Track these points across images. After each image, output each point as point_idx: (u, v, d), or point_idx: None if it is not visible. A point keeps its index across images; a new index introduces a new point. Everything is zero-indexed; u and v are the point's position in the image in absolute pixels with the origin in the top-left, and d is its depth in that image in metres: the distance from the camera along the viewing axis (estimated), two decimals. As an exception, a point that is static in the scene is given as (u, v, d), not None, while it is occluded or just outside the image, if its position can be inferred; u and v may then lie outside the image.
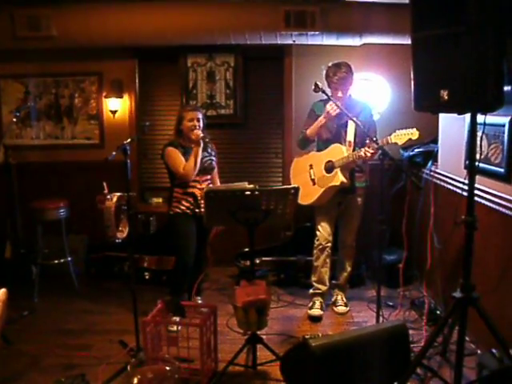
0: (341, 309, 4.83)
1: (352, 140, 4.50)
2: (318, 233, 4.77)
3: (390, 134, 4.16)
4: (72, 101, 6.19)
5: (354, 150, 4.44)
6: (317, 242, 4.77)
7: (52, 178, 6.03)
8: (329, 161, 4.52)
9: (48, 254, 5.37)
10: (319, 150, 4.70)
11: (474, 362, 3.42)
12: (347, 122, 4.48)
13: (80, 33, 5.29)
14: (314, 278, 4.85)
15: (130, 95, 6.13)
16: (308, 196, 4.63)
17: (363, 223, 4.82)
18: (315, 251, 4.79)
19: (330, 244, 4.75)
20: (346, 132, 4.54)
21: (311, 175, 4.67)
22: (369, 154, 4.19)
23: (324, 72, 4.55)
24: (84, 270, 5.83)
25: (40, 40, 5.32)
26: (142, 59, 6.15)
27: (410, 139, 4.13)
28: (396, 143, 4.15)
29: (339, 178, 4.45)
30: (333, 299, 4.96)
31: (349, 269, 4.90)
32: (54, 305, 5.04)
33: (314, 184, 4.64)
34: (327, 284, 4.84)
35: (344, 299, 4.92)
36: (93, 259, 5.86)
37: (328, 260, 4.78)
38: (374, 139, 4.03)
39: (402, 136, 4.12)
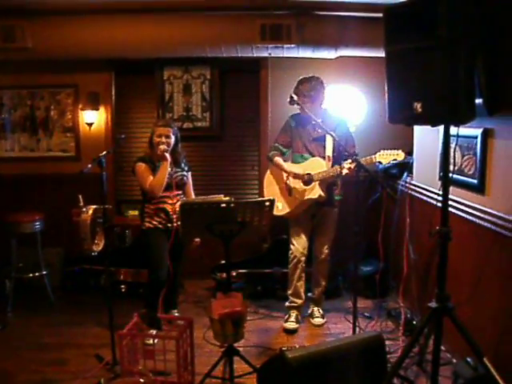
0: (317, 321, 4.84)
1: (331, 155, 4.53)
2: (292, 246, 4.77)
3: (374, 153, 4.22)
4: (48, 113, 6.14)
5: (332, 165, 4.48)
6: (291, 256, 4.78)
7: (27, 190, 5.97)
8: (307, 173, 4.53)
9: (23, 267, 5.31)
10: (295, 162, 4.71)
11: (450, 371, 3.45)
12: (324, 136, 4.52)
13: (55, 44, 5.25)
14: (289, 292, 4.86)
15: (107, 108, 6.11)
16: (283, 207, 4.66)
17: (339, 234, 4.84)
18: (290, 265, 4.80)
19: (304, 258, 4.75)
20: (323, 146, 4.57)
21: (288, 186, 4.67)
22: (352, 168, 4.17)
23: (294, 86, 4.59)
24: (60, 284, 5.76)
25: (14, 51, 5.25)
26: (118, 72, 6.14)
27: (395, 160, 4.21)
28: (380, 162, 4.22)
29: (317, 191, 4.48)
30: (309, 311, 4.96)
31: (323, 283, 4.91)
32: (29, 319, 4.97)
33: (290, 195, 4.66)
34: (303, 297, 4.85)
35: (321, 311, 4.93)
36: (69, 272, 5.80)
37: (303, 274, 4.79)
38: (353, 153, 4.09)
39: (387, 156, 4.19)
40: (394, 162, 4.29)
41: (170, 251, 4.36)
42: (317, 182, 4.48)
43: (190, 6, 5.04)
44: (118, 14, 5.14)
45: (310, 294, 4.97)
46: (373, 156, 4.23)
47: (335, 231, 4.81)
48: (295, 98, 4.19)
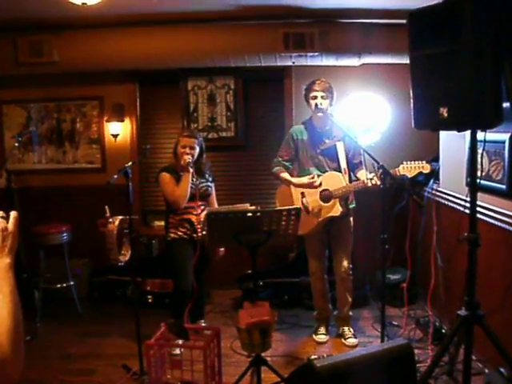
0: (350, 341, 4.55)
1: (346, 166, 4.33)
2: (309, 263, 4.68)
3: (397, 166, 4.07)
4: (74, 125, 6.21)
5: (349, 177, 4.33)
6: (311, 271, 4.70)
7: (54, 202, 6.04)
8: (325, 189, 4.34)
9: (50, 278, 5.35)
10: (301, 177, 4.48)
11: (482, 381, 3.40)
12: (334, 147, 4.37)
13: (81, 58, 5.33)
14: (315, 305, 4.80)
15: (131, 119, 6.16)
16: (302, 226, 4.01)
17: (367, 243, 4.80)
18: (311, 279, 4.73)
19: (322, 273, 4.67)
20: (331, 159, 4.40)
21: (304, 204, 4.40)
22: (378, 182, 3.99)
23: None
24: (87, 294, 5.81)
25: (42, 65, 5.35)
26: (142, 83, 6.19)
27: (421, 173, 4.07)
28: (405, 175, 4.06)
29: (339, 208, 4.29)
30: (340, 331, 4.72)
31: (350, 300, 4.68)
32: (57, 329, 5.02)
33: (308, 213, 4.38)
34: (329, 307, 4.78)
35: (351, 330, 4.67)
36: (95, 283, 5.85)
37: (325, 287, 4.71)
38: (360, 162, 4.01)
39: (411, 168, 4.04)
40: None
41: (196, 263, 4.35)
42: (337, 199, 4.29)
43: (212, 16, 5.07)
44: (141, 27, 5.19)
45: (335, 313, 4.80)
46: (396, 169, 4.04)
47: (352, 242, 4.60)
48: (319, 105, 4.16)
